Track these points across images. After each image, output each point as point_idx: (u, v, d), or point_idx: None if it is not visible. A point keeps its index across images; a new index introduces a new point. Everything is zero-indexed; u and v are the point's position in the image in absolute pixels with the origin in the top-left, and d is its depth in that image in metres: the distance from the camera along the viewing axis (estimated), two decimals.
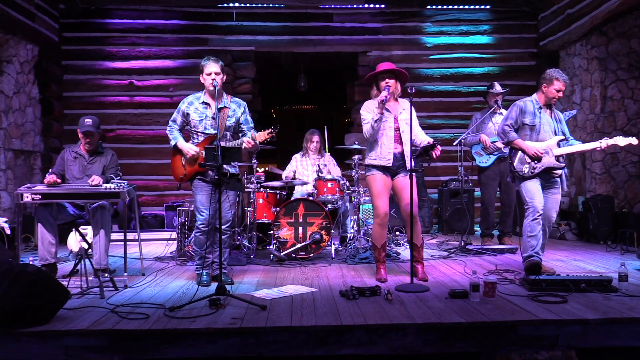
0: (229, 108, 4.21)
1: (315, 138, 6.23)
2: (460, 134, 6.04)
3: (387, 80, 4.15)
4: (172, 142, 4.25)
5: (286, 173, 6.30)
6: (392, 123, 4.18)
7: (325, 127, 6.28)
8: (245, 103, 4.35)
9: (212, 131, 4.15)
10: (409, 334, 2.97)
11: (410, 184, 4.02)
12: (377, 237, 4.30)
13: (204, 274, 4.15)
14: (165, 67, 7.78)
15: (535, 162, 4.23)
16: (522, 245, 4.33)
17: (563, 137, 4.33)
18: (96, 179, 4.09)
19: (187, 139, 4.31)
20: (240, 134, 4.26)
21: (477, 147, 5.94)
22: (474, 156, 5.98)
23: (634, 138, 4.22)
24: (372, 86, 4.29)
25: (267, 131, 4.04)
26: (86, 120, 4.42)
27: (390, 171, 4.22)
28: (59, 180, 4.19)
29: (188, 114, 4.21)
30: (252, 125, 4.31)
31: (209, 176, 4.15)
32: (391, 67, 4.19)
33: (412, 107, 4.15)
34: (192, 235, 5.02)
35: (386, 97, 4.06)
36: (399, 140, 4.18)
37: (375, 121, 4.10)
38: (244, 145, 4.05)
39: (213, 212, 4.13)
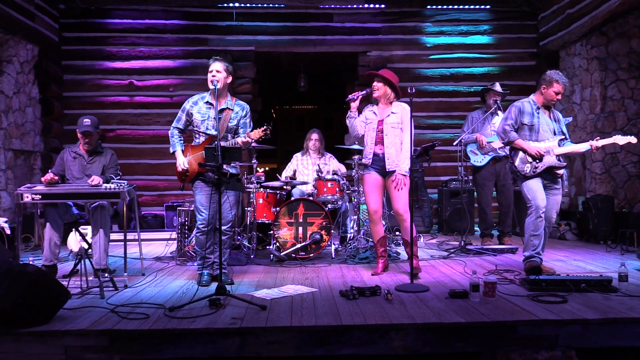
0: (232, 110, 4.21)
1: (314, 136, 6.29)
2: (461, 134, 6.04)
3: (374, 83, 4.39)
4: (171, 150, 4.26)
5: (286, 173, 6.32)
6: (376, 125, 4.40)
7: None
8: (248, 107, 4.36)
9: (214, 132, 4.14)
10: (409, 334, 2.97)
11: (391, 184, 4.29)
12: (372, 233, 4.58)
13: (205, 274, 4.15)
14: (165, 67, 7.79)
15: (537, 161, 4.23)
16: (524, 243, 4.34)
17: (564, 137, 4.33)
18: (96, 179, 4.09)
19: (189, 140, 4.31)
20: (235, 136, 4.27)
21: (472, 146, 5.94)
22: (469, 155, 5.97)
23: (633, 137, 4.22)
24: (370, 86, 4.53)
25: (262, 129, 4.05)
26: (85, 120, 4.42)
27: (377, 169, 4.43)
28: (56, 178, 4.18)
29: (191, 113, 4.22)
30: (249, 130, 4.31)
31: (209, 177, 4.15)
32: (380, 73, 4.38)
33: (407, 113, 4.33)
34: (192, 235, 5.03)
35: (355, 95, 4.36)
36: (381, 141, 4.36)
37: (346, 118, 4.46)
38: (239, 142, 4.07)
39: (213, 213, 4.14)
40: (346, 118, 4.45)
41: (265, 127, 4.03)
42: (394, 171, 4.31)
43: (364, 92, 4.40)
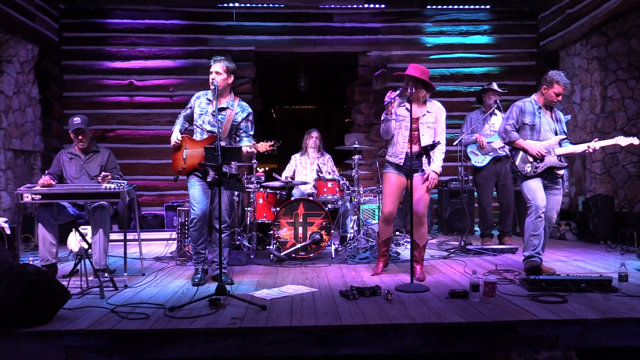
0: (233, 110, 4.22)
1: (315, 134, 6.33)
2: (460, 135, 6.04)
3: (406, 83, 4.19)
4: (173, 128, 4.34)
5: (286, 173, 6.33)
6: (409, 123, 4.17)
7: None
8: (251, 110, 4.35)
9: (209, 127, 4.19)
10: (408, 334, 2.97)
11: (411, 183, 4.08)
12: (380, 232, 4.46)
13: (199, 270, 4.18)
14: (165, 67, 7.79)
15: (538, 161, 4.23)
16: (524, 243, 4.34)
17: (565, 137, 4.34)
18: (104, 174, 4.15)
19: (192, 135, 4.35)
20: (237, 138, 4.27)
21: (472, 146, 5.94)
22: (469, 156, 5.98)
23: (635, 138, 4.23)
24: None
25: (269, 143, 4.06)
26: (75, 119, 4.42)
27: (404, 170, 4.25)
28: (52, 182, 4.18)
29: (193, 107, 4.29)
30: (251, 133, 4.33)
31: (210, 176, 4.15)
32: (413, 74, 4.16)
33: (442, 112, 4.29)
34: None
35: (391, 98, 4.03)
36: (415, 140, 4.18)
37: (382, 121, 4.22)
38: (243, 151, 4.08)
39: (205, 208, 4.18)
40: (382, 121, 4.21)
41: (273, 142, 4.05)
42: (421, 171, 4.19)
43: (398, 91, 4.09)
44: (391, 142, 4.33)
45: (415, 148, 4.15)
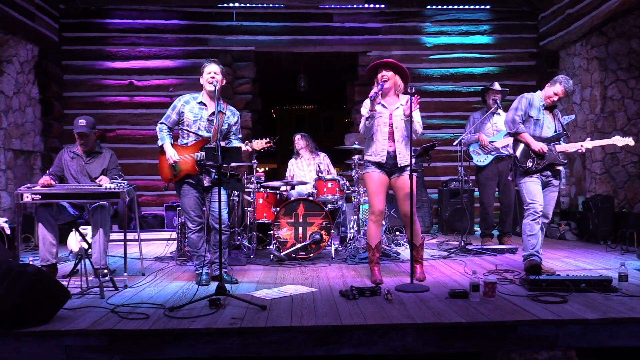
0: (225, 114, 4.21)
1: (296, 137, 6.44)
2: (460, 134, 6.04)
3: (383, 74, 4.02)
4: (159, 143, 4.19)
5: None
6: (387, 119, 4.05)
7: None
8: (239, 113, 4.36)
9: (205, 134, 4.14)
10: (408, 334, 2.97)
11: (410, 183, 3.93)
12: (372, 235, 4.20)
13: (203, 273, 4.16)
14: (165, 67, 7.79)
15: (539, 158, 4.27)
16: (523, 244, 4.36)
17: (565, 133, 4.39)
18: (104, 179, 4.14)
19: (176, 138, 4.28)
20: (226, 142, 4.25)
21: (474, 145, 5.95)
22: (471, 155, 5.98)
23: (631, 139, 4.33)
24: (372, 82, 4.16)
25: (265, 140, 4.06)
26: (80, 120, 4.41)
27: (385, 168, 4.12)
28: (53, 183, 4.18)
29: (183, 112, 4.17)
30: (240, 136, 4.33)
31: (207, 180, 4.14)
32: (388, 61, 4.05)
33: (412, 103, 3.92)
34: None
35: (375, 93, 3.91)
36: (392, 137, 4.06)
37: (367, 119, 4.01)
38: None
39: (202, 214, 4.20)
40: (367, 119, 4.00)
41: (269, 139, 4.03)
42: (404, 168, 4.07)
43: (380, 86, 3.95)
44: (370, 140, 4.12)
45: (391, 145, 4.04)
